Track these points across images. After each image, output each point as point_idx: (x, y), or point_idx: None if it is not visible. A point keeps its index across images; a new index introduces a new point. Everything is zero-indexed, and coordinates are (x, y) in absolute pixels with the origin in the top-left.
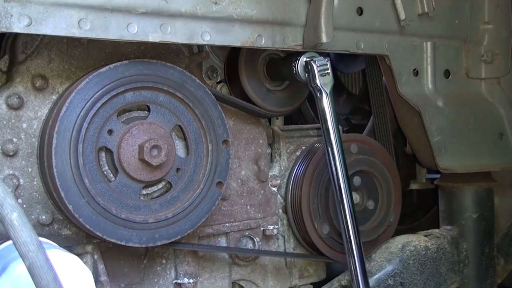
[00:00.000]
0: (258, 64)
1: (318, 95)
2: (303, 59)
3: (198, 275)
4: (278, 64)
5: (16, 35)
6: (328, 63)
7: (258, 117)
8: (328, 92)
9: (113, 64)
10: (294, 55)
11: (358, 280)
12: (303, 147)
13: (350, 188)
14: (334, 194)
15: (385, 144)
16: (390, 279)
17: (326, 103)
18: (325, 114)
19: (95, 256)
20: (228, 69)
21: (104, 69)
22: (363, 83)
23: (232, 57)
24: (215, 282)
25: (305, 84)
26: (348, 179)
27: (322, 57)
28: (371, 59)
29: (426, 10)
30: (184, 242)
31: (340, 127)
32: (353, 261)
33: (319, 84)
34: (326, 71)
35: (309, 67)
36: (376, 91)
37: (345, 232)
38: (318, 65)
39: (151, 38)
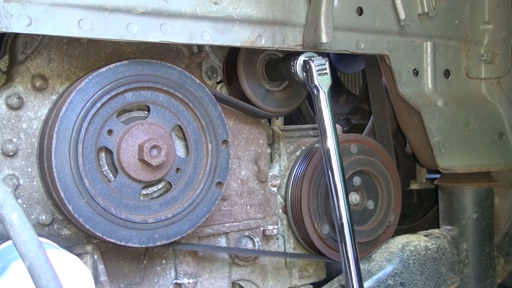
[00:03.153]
0: (257, 64)
1: (316, 94)
2: (301, 58)
3: (198, 275)
4: (277, 64)
5: (16, 35)
6: (327, 63)
7: (258, 117)
8: (326, 92)
9: (113, 64)
10: (292, 55)
11: (353, 283)
12: (303, 147)
13: (347, 188)
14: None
15: (385, 144)
16: (390, 279)
17: (324, 102)
18: (323, 113)
19: (95, 256)
20: (227, 69)
21: (104, 69)
22: (363, 83)
23: (231, 57)
24: (215, 282)
25: (303, 83)
26: (345, 180)
27: (320, 57)
28: (371, 59)
29: (426, 10)
30: (184, 243)
31: (339, 127)
32: (348, 263)
33: (317, 84)
34: (324, 71)
35: (308, 66)
36: (376, 91)
37: (341, 234)
38: (316, 64)
39: (151, 38)
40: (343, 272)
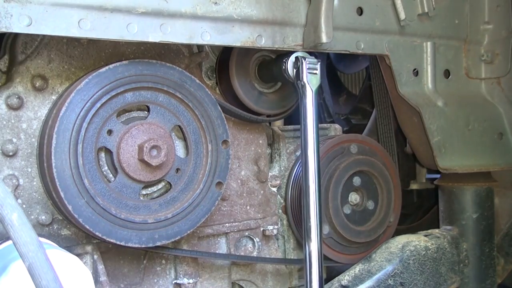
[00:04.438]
0: (250, 65)
1: (303, 92)
2: (294, 55)
3: (197, 275)
4: (270, 65)
5: (16, 35)
6: (318, 64)
7: (255, 123)
8: (313, 91)
9: (113, 64)
10: (286, 54)
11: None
12: None
13: (320, 190)
14: (333, 194)
15: (387, 144)
16: (390, 279)
17: (310, 100)
18: (307, 112)
19: (95, 257)
20: (219, 69)
21: (103, 69)
22: (363, 83)
23: (224, 57)
24: (214, 283)
25: (292, 82)
26: (320, 181)
27: (313, 58)
28: (376, 59)
29: (426, 10)
30: (183, 249)
31: (339, 127)
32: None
33: (305, 81)
34: (315, 70)
35: (299, 63)
36: (380, 92)
37: (306, 236)
38: (308, 62)
39: (151, 38)
40: (347, 270)
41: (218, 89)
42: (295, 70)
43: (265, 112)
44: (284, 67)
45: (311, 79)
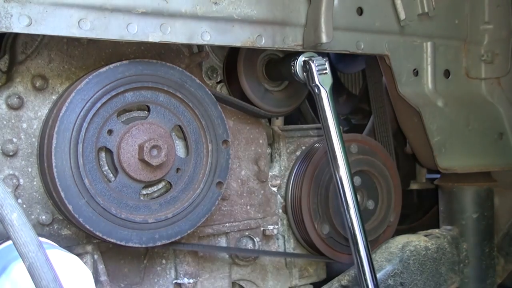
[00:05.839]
0: (257, 64)
1: (318, 94)
2: (301, 58)
3: (198, 275)
4: (277, 64)
5: (16, 35)
6: (327, 63)
7: (258, 117)
8: (327, 91)
9: (113, 64)
10: (292, 55)
11: (366, 281)
12: (303, 147)
13: (354, 186)
14: (334, 194)
15: (385, 144)
16: (390, 279)
17: (326, 101)
18: (325, 112)
19: (95, 256)
20: (227, 69)
21: (104, 69)
22: (363, 83)
23: (231, 57)
24: (215, 282)
25: (304, 84)
26: (352, 178)
27: (320, 57)
28: (371, 59)
29: (426, 10)
30: (184, 243)
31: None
32: (360, 261)
33: (318, 83)
34: (324, 71)
35: (308, 66)
36: (376, 91)
37: (351, 233)
38: (316, 64)
39: (151, 38)
40: (347, 270)
41: (226, 88)
42: (305, 74)
43: (273, 110)
44: (293, 71)
45: (323, 79)
